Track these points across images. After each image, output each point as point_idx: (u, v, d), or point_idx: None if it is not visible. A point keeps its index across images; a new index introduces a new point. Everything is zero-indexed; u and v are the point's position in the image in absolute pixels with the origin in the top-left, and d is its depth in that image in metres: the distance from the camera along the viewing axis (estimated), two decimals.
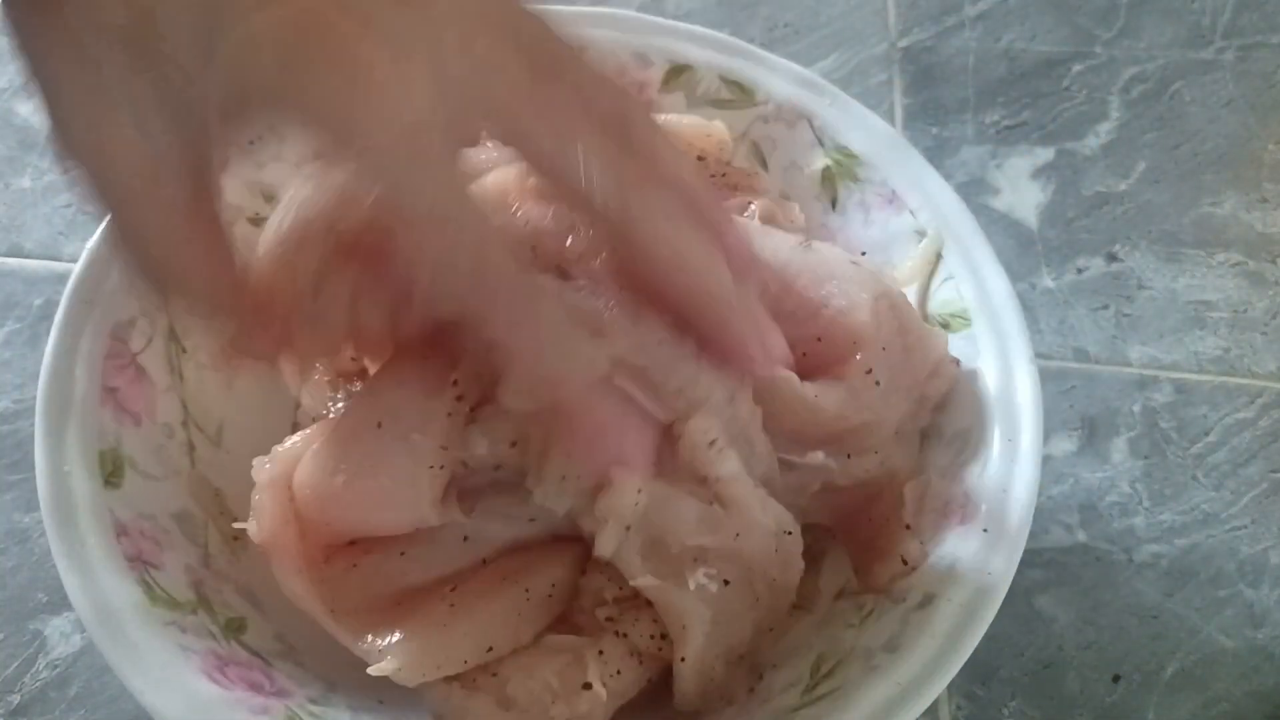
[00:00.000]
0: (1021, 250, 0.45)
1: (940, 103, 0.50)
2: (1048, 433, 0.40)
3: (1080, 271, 0.44)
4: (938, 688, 0.25)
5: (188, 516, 0.30)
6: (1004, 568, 0.26)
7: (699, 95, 0.36)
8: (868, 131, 0.35)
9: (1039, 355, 0.42)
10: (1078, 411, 0.41)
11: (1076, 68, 0.51)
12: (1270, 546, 0.37)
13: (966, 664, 0.35)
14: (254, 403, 0.33)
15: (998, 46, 0.52)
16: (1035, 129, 0.49)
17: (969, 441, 0.29)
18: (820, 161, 0.35)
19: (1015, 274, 0.44)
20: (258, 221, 0.33)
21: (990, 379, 0.30)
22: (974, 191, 0.47)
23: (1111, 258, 0.45)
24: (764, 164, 0.36)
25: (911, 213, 0.33)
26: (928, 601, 0.26)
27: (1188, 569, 0.37)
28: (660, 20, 0.37)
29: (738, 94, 0.36)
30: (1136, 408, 0.41)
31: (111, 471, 0.28)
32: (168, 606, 0.26)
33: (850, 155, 0.35)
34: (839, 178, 0.35)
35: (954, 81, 0.50)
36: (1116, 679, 0.35)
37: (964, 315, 0.31)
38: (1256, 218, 0.46)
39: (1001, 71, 0.51)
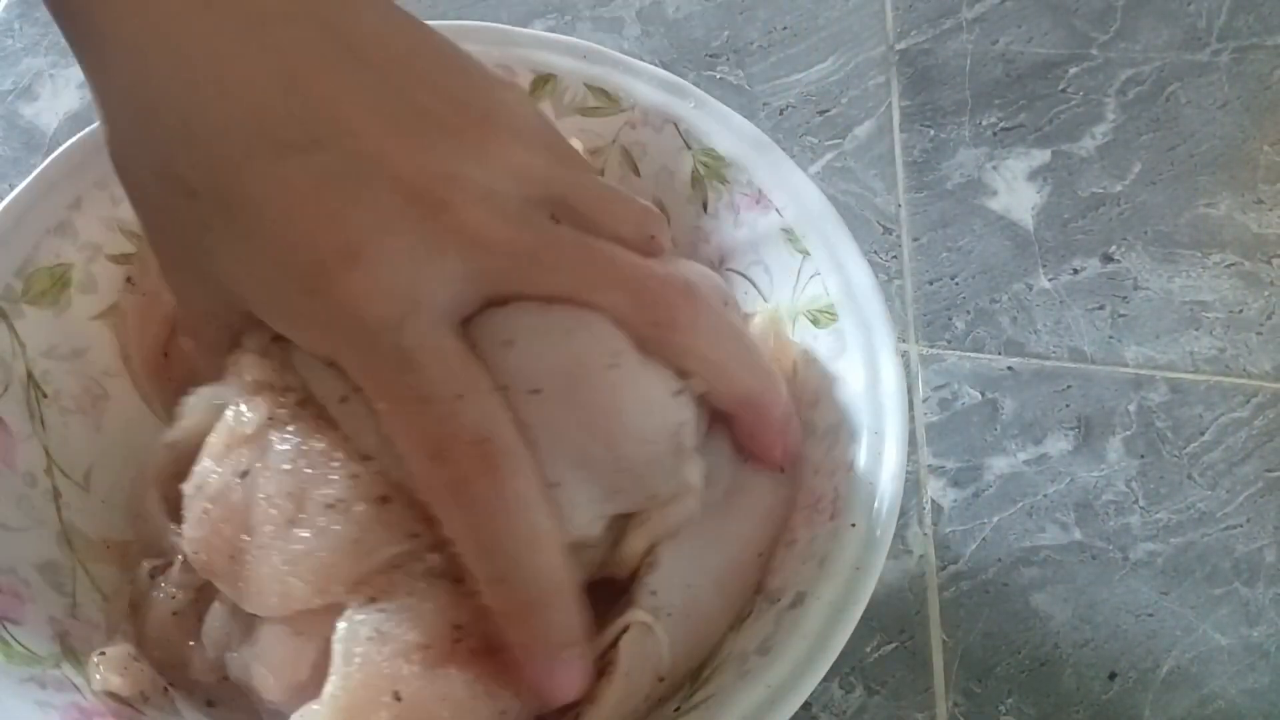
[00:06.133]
0: (1018, 251, 0.45)
1: (937, 105, 0.50)
2: (1044, 431, 0.40)
3: (1076, 272, 0.45)
4: (807, 689, 0.24)
5: (53, 566, 0.28)
6: (872, 561, 0.26)
7: (566, 104, 0.36)
8: (732, 132, 0.34)
9: (1035, 355, 0.42)
10: (1074, 411, 0.41)
11: (1073, 70, 0.51)
12: (1265, 545, 0.38)
13: (964, 661, 0.35)
14: (123, 443, 0.32)
15: (994, 49, 0.52)
16: (1032, 131, 0.49)
17: (839, 437, 0.29)
18: (688, 165, 0.35)
19: (1012, 274, 0.45)
20: (119, 260, 0.33)
21: (857, 373, 0.30)
22: (971, 193, 0.47)
23: (1107, 258, 0.45)
24: (636, 170, 0.36)
25: (778, 211, 0.33)
26: (799, 601, 0.26)
27: (1183, 567, 0.37)
28: (523, 31, 0.37)
29: (604, 101, 0.36)
30: (1132, 407, 0.41)
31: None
32: (27, 662, 0.25)
33: (716, 157, 0.34)
34: (707, 180, 0.35)
35: (951, 84, 0.51)
36: (1112, 676, 0.35)
37: (831, 311, 0.31)
38: (1252, 219, 0.46)
39: (998, 74, 0.51)
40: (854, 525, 0.27)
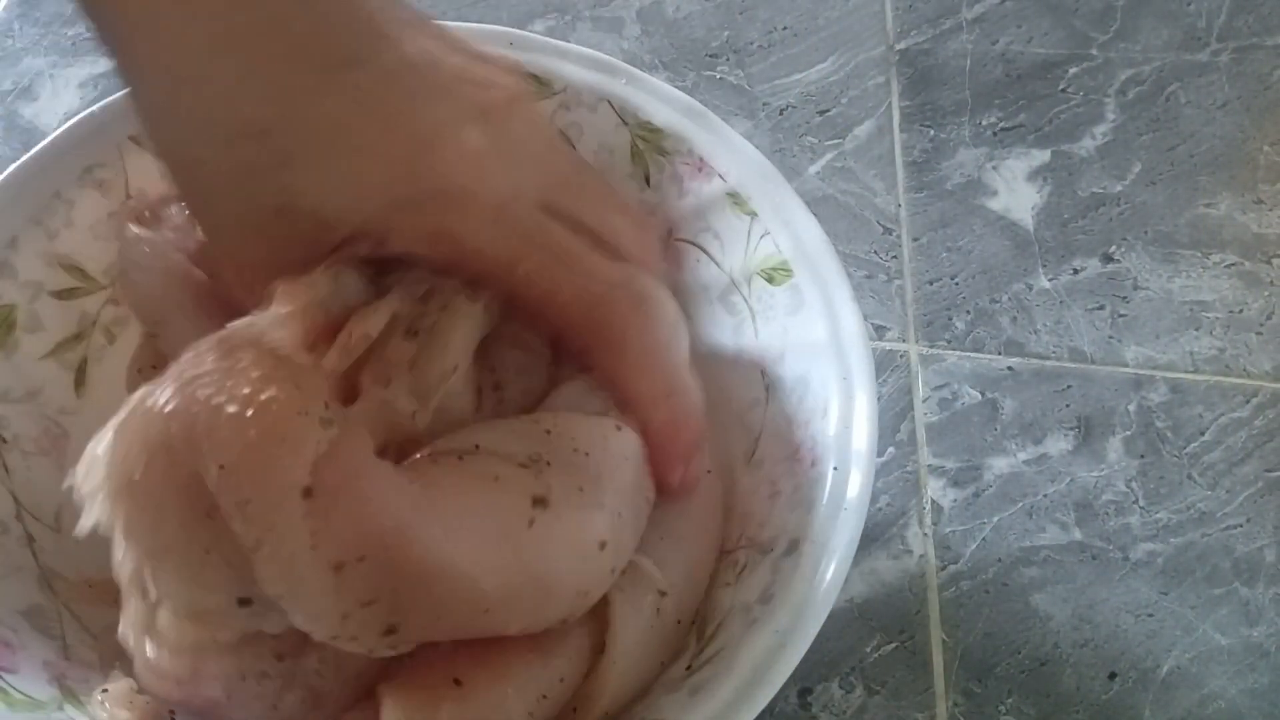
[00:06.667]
0: (1018, 251, 0.45)
1: (937, 105, 0.50)
2: (1044, 431, 0.40)
3: (1076, 272, 0.45)
4: (813, 631, 0.25)
5: (38, 611, 0.28)
6: (858, 499, 0.27)
7: None
8: (666, 103, 0.35)
9: (1035, 355, 0.42)
10: (1074, 411, 0.41)
11: (1073, 70, 0.51)
12: (1265, 545, 0.38)
13: (964, 661, 0.35)
14: None
15: (994, 49, 0.52)
16: (1031, 131, 0.49)
17: (808, 387, 0.30)
18: (626, 140, 0.35)
19: (1012, 274, 0.45)
20: (62, 295, 0.32)
21: (818, 324, 0.30)
22: (971, 193, 0.47)
23: (1107, 258, 0.45)
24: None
25: (721, 176, 0.34)
26: (793, 547, 0.27)
27: (1183, 567, 0.37)
28: (447, 25, 0.37)
29: (535, 85, 0.36)
30: (1132, 407, 0.41)
31: None
32: (29, 708, 0.25)
33: (654, 130, 0.35)
34: (647, 153, 0.35)
35: (951, 84, 0.51)
36: (1112, 676, 0.35)
37: (785, 267, 0.32)
38: (1252, 219, 0.46)
39: (998, 74, 0.51)
40: (835, 469, 0.27)
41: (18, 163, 0.32)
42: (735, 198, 0.33)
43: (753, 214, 0.33)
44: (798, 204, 0.32)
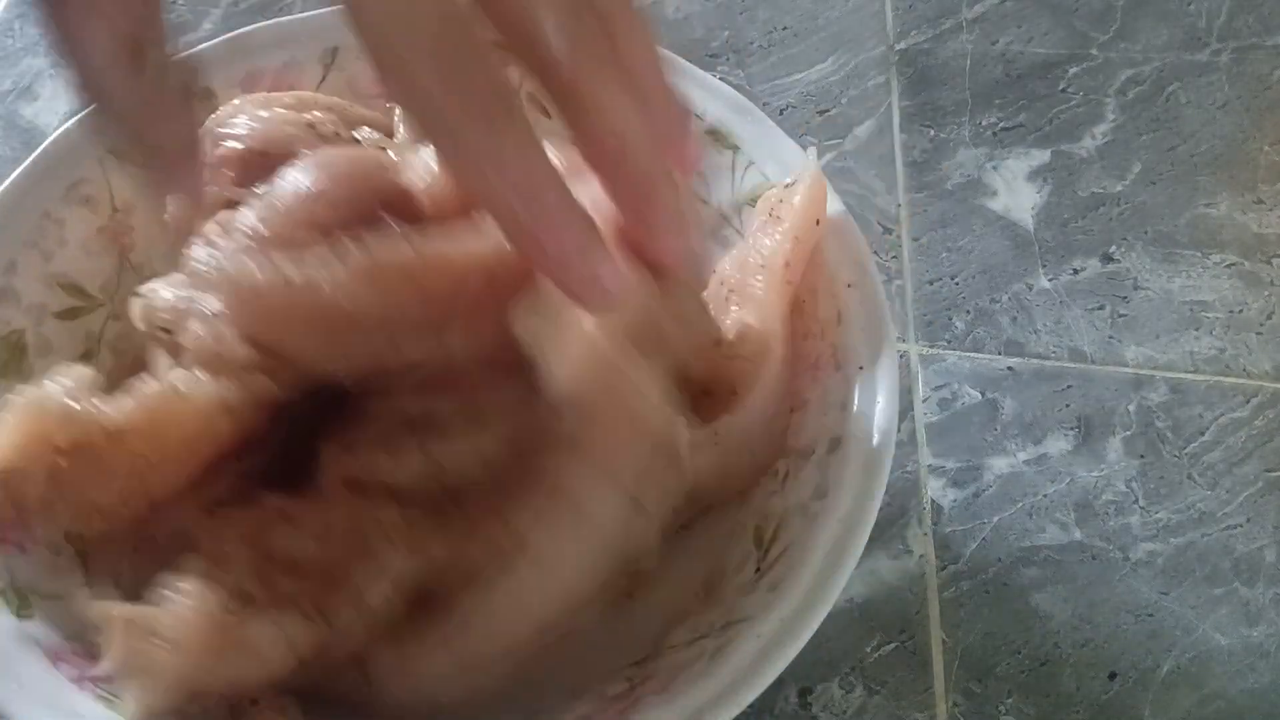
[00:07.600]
0: (1018, 251, 0.45)
1: (937, 105, 0.50)
2: (1044, 431, 0.40)
3: (1076, 272, 0.45)
4: (872, 515, 0.26)
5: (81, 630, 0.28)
6: (890, 390, 0.28)
7: None
8: None
9: (1035, 355, 0.42)
10: (1073, 411, 0.41)
11: (1073, 70, 0.51)
12: (1265, 545, 0.38)
13: (964, 661, 0.35)
14: None
15: (994, 49, 0.52)
16: (1031, 131, 0.49)
17: (816, 296, 0.31)
18: None
19: (1011, 274, 0.45)
20: (65, 316, 0.32)
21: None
22: (970, 193, 0.47)
23: (1107, 258, 0.45)
24: (545, 112, 0.36)
25: (698, 115, 0.34)
26: (836, 445, 0.27)
27: (1183, 567, 0.37)
28: None
29: None
30: (1132, 407, 0.41)
31: (20, 605, 0.26)
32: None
33: None
34: None
35: (951, 84, 0.51)
36: (1112, 676, 0.35)
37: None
38: (1252, 219, 0.46)
39: (998, 74, 0.51)
40: (862, 368, 0.28)
41: (2, 187, 0.32)
42: (715, 134, 0.34)
43: (735, 148, 0.33)
44: (779, 134, 0.33)
